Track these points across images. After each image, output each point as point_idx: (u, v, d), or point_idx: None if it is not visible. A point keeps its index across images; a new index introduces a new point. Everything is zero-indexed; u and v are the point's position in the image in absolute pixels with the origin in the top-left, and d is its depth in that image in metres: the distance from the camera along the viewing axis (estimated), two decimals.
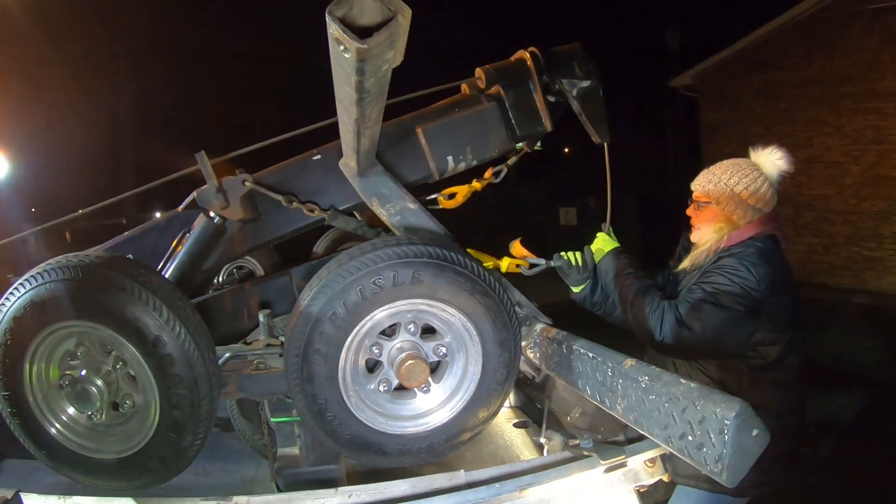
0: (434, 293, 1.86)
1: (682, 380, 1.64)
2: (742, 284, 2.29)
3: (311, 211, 2.47)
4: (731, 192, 2.46)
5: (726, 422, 1.46)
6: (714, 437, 1.49)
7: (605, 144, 2.79)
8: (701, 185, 2.56)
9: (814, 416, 6.04)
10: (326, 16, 1.10)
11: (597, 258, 2.70)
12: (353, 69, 1.21)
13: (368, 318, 1.85)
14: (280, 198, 2.43)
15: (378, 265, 1.79)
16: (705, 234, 2.54)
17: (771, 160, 2.51)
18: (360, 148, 1.92)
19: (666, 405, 1.64)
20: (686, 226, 2.64)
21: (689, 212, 2.63)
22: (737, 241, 2.44)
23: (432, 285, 1.84)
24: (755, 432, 1.47)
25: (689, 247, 2.63)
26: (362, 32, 1.11)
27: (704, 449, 1.52)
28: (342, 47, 1.14)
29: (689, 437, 1.56)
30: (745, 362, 2.33)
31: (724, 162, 2.56)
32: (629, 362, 1.82)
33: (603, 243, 2.72)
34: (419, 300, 1.87)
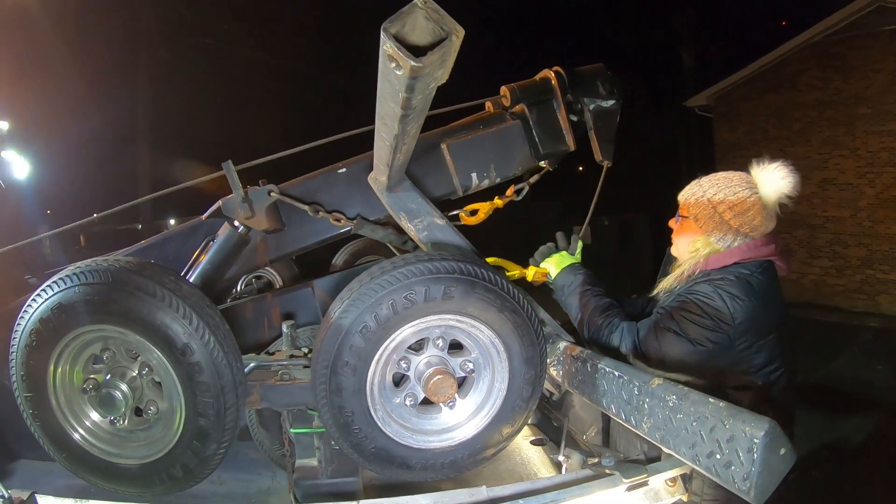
0: (464, 309, 1.86)
1: (710, 399, 1.63)
2: (714, 316, 2.15)
3: (338, 220, 2.48)
4: (711, 209, 2.29)
5: (755, 440, 1.46)
6: (742, 456, 1.50)
7: (605, 166, 2.78)
8: (685, 196, 2.41)
9: (826, 440, 6.04)
10: (381, 32, 1.12)
11: (553, 274, 2.65)
12: (403, 86, 1.22)
13: (398, 332, 1.86)
14: (306, 208, 2.44)
15: (410, 280, 1.80)
16: (681, 253, 2.42)
17: (772, 179, 2.27)
18: (393, 163, 1.94)
19: (694, 424, 1.64)
20: (658, 229, 2.56)
21: (670, 223, 2.50)
22: (717, 266, 2.28)
23: (463, 301, 1.85)
24: (783, 451, 1.48)
25: (669, 269, 2.50)
26: (413, 50, 1.12)
27: (732, 467, 1.53)
28: (394, 64, 1.16)
29: (717, 456, 1.57)
30: None
31: (717, 174, 2.37)
32: (656, 381, 1.82)
33: (561, 258, 2.67)
34: (449, 316, 1.88)
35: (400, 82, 1.22)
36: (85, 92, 17.52)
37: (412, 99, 1.29)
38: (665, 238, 2.59)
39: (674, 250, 2.48)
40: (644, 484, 2.00)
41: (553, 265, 2.67)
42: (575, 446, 2.44)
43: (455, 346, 2.01)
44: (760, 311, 2.18)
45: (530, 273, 2.67)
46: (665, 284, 2.45)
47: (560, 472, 2.39)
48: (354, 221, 2.50)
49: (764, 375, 2.22)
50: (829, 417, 6.90)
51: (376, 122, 1.64)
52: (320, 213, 2.47)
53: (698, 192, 2.36)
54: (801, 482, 5.16)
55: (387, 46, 1.13)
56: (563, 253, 2.69)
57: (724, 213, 2.27)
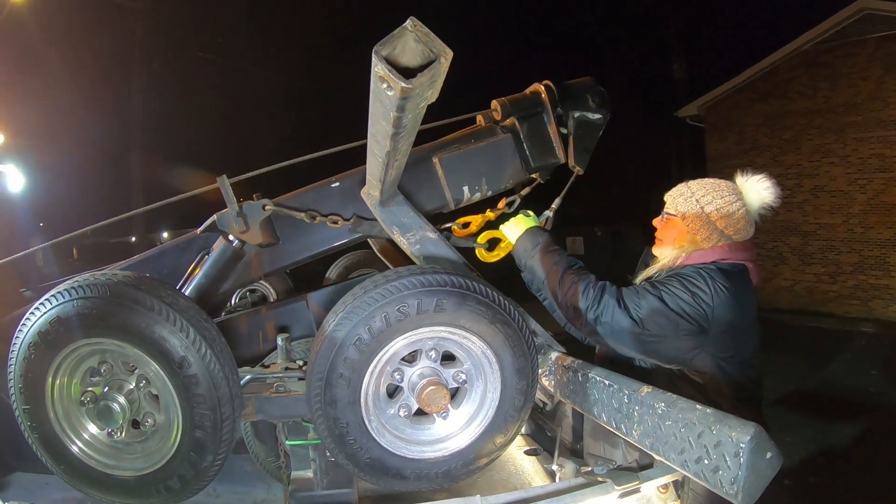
0: (456, 321, 1.89)
1: (697, 406, 1.66)
2: (695, 293, 2.18)
3: (335, 223, 2.50)
4: (700, 211, 2.35)
5: (741, 445, 1.49)
6: (730, 461, 1.52)
7: (576, 171, 2.79)
8: (673, 197, 2.46)
9: (822, 446, 6.06)
10: (373, 55, 1.16)
11: (513, 237, 2.60)
12: (394, 106, 1.26)
13: (392, 344, 1.88)
14: (303, 215, 2.47)
15: (403, 293, 1.83)
16: (665, 252, 2.43)
17: (756, 189, 2.37)
18: (385, 179, 1.97)
19: (682, 430, 1.66)
20: (650, 238, 2.54)
21: (655, 222, 2.53)
22: (698, 262, 2.32)
23: (455, 313, 1.88)
24: (769, 455, 1.50)
25: (649, 263, 2.53)
26: (403, 72, 1.16)
27: (720, 472, 1.55)
28: (385, 85, 1.19)
29: (705, 461, 1.59)
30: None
31: (706, 180, 2.44)
32: (645, 389, 1.84)
33: (521, 222, 2.62)
34: (441, 328, 1.91)
35: (391, 102, 1.26)
36: (79, 105, 17.54)
37: (403, 118, 1.33)
38: None
39: (656, 248, 2.49)
40: (636, 491, 2.02)
41: (511, 227, 2.63)
42: (568, 455, 2.46)
43: (447, 358, 2.03)
44: (737, 304, 2.21)
45: (483, 238, 2.68)
46: (645, 275, 2.46)
47: (554, 482, 2.41)
48: (351, 221, 2.52)
49: (736, 365, 2.25)
50: (824, 423, 6.92)
51: (368, 139, 1.67)
52: (317, 218, 2.49)
53: (686, 192, 2.42)
54: (796, 488, 5.19)
55: (378, 68, 1.17)
56: (521, 216, 2.65)
57: (711, 214, 2.33)
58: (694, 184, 2.44)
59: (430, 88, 1.26)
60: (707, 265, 2.28)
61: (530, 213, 2.68)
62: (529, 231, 2.57)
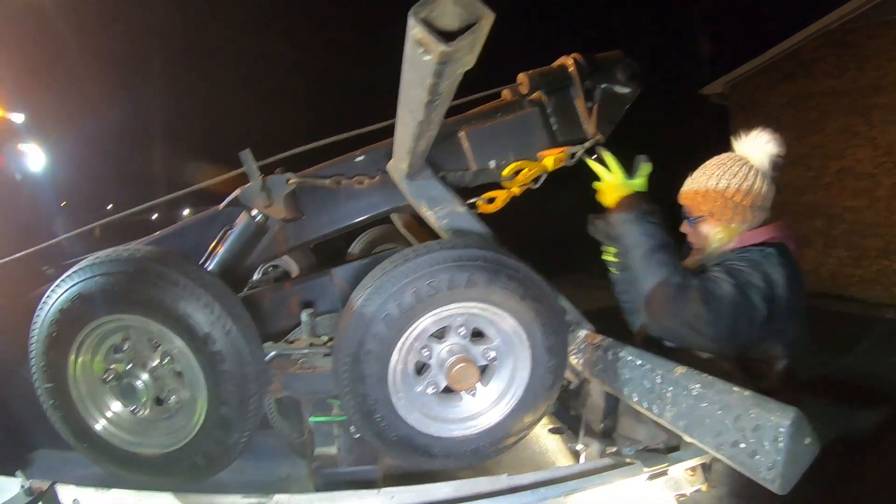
0: (488, 297, 1.86)
1: (734, 388, 1.62)
2: (765, 278, 2.09)
3: (361, 182, 2.47)
4: (722, 200, 2.27)
5: (781, 429, 1.45)
6: (768, 445, 1.48)
7: (598, 139, 2.62)
8: (689, 197, 2.37)
9: (841, 433, 5.99)
10: (410, 17, 1.11)
11: (610, 199, 2.40)
12: (430, 72, 1.21)
13: (421, 319, 1.86)
14: (327, 181, 2.45)
15: (434, 268, 1.80)
16: (709, 251, 2.34)
17: (758, 147, 2.30)
18: (416, 151, 1.93)
19: (719, 413, 1.63)
20: (673, 218, 2.42)
21: (683, 228, 2.44)
22: (751, 243, 2.25)
23: (486, 289, 1.84)
24: (808, 440, 1.47)
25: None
26: (442, 35, 1.11)
27: (757, 457, 1.51)
28: (422, 49, 1.15)
29: (742, 445, 1.55)
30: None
31: (708, 164, 2.36)
32: (679, 370, 1.80)
33: (625, 186, 2.40)
34: (472, 303, 1.88)
35: (428, 68, 1.21)
36: (101, 84, 17.66)
37: (440, 85, 1.28)
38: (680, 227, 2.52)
39: (696, 255, 2.40)
40: (664, 473, 2.00)
41: (614, 185, 2.41)
42: (593, 435, 2.44)
43: (477, 334, 2.00)
44: (797, 281, 2.17)
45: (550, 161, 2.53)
46: (695, 262, 2.37)
47: (578, 461, 2.39)
48: (377, 179, 2.49)
49: (794, 347, 2.21)
50: (843, 410, 6.85)
51: (399, 109, 1.63)
52: (342, 182, 2.46)
53: (700, 187, 2.35)
54: (815, 476, 5.14)
55: (416, 31, 1.12)
56: (622, 181, 2.42)
57: (734, 198, 2.26)
58: (699, 174, 2.38)
59: (469, 53, 1.21)
60: (763, 247, 2.20)
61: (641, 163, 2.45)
62: (629, 198, 2.37)
